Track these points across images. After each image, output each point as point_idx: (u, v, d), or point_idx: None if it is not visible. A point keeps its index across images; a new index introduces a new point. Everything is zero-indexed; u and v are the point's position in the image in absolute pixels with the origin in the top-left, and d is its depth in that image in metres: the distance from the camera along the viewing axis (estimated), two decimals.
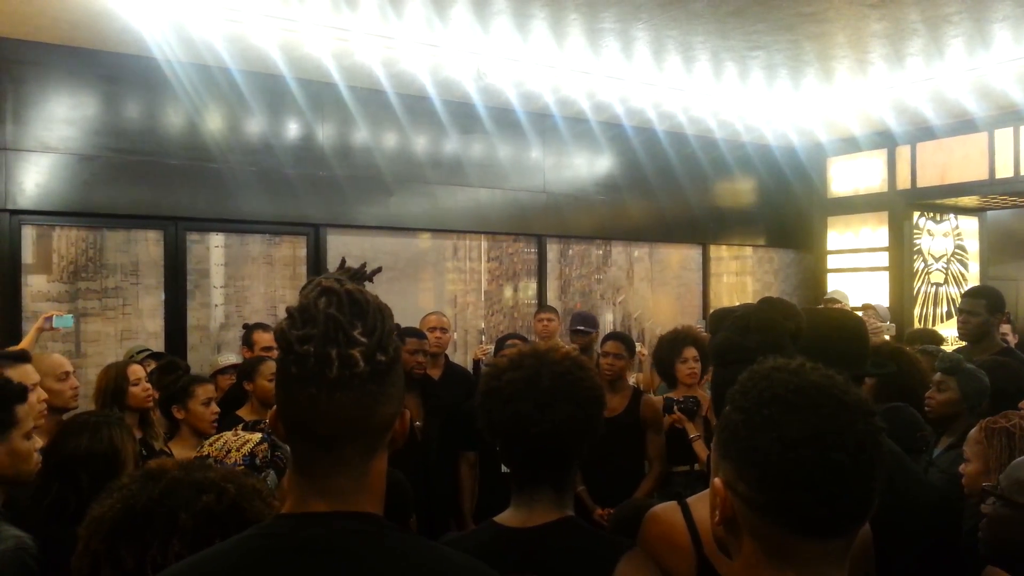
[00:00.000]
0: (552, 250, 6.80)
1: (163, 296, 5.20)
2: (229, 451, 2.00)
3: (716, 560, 1.43)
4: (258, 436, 2.03)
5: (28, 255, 4.84)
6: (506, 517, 1.55)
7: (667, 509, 1.55)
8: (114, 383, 3.46)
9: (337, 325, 1.05)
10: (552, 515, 1.51)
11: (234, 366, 4.63)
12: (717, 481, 1.05)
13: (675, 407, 3.92)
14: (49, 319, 4.07)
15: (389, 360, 1.08)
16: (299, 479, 1.10)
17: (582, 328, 5.20)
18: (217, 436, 2.07)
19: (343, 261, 1.22)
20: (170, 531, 1.30)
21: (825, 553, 1.00)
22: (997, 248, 8.72)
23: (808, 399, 1.00)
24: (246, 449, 1.97)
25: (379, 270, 1.23)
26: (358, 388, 1.05)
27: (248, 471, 2.30)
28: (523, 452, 1.52)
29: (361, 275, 1.17)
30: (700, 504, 1.51)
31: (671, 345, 4.22)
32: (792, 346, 1.64)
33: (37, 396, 2.87)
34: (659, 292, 7.43)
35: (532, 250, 6.72)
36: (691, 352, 4.19)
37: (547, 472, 1.53)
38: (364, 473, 1.10)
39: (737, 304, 2.46)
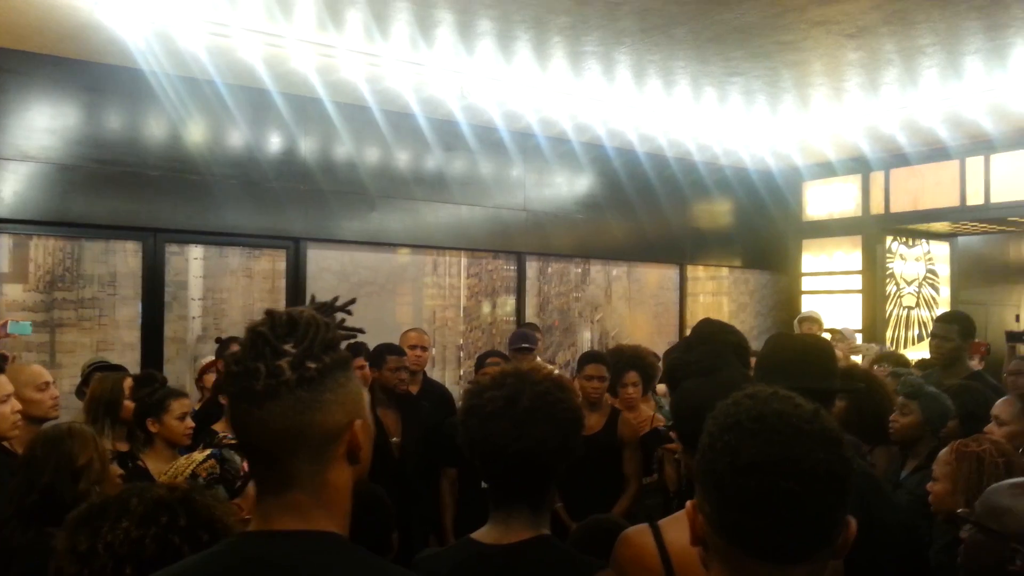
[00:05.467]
0: (531, 267, 6.84)
1: (140, 308, 5.17)
2: (177, 476, 2.02)
3: None
4: (203, 455, 2.05)
5: (4, 264, 4.80)
6: (482, 534, 1.58)
7: (638, 532, 1.58)
8: (110, 394, 3.46)
9: (264, 340, 1.09)
10: (527, 533, 1.54)
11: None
12: (689, 503, 1.09)
13: (671, 435, 3.85)
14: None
15: (321, 368, 1.10)
16: (260, 496, 1.13)
17: (526, 346, 5.16)
18: (172, 464, 2.10)
19: (312, 297, 1.26)
20: (121, 514, 1.38)
21: None
22: (967, 273, 8.88)
23: (766, 426, 1.03)
24: (188, 471, 1.99)
25: (353, 302, 1.26)
26: (287, 396, 1.07)
27: None
28: (501, 470, 1.55)
29: (327, 307, 1.20)
30: (671, 526, 1.54)
31: (614, 367, 4.31)
32: (736, 358, 1.69)
33: (11, 407, 2.86)
34: (636, 311, 7.49)
35: (512, 267, 6.75)
36: (631, 377, 4.33)
37: (524, 490, 1.56)
38: (319, 487, 1.11)
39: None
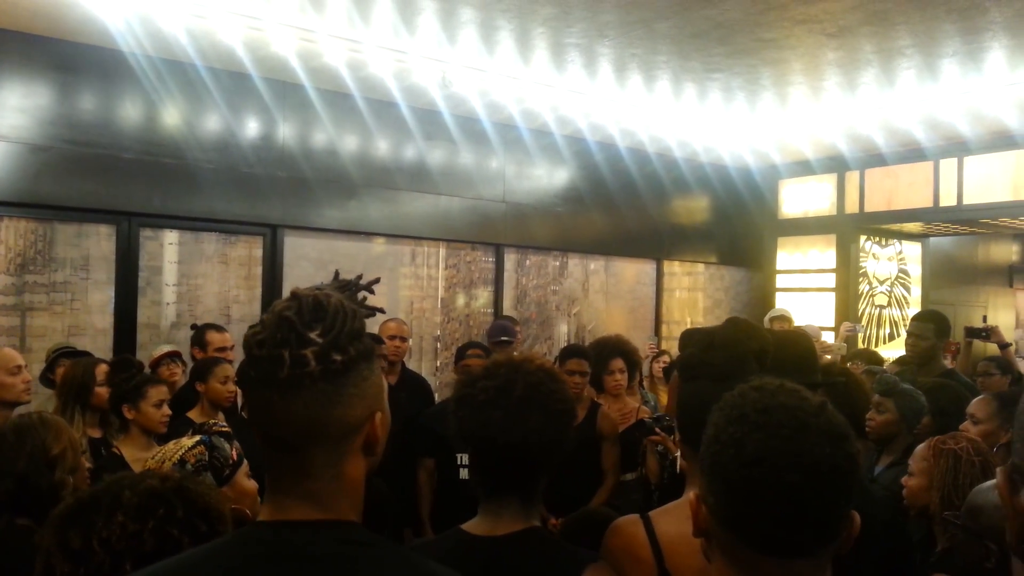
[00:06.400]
0: (510, 260, 6.83)
1: (113, 292, 5.09)
2: (164, 462, 1.99)
3: (677, 573, 1.46)
4: (192, 440, 2.02)
5: None
6: (472, 525, 1.57)
7: (629, 522, 1.57)
8: (80, 380, 3.40)
9: (291, 327, 1.05)
10: (518, 525, 1.53)
11: (170, 355, 4.51)
12: (692, 493, 1.09)
13: (656, 428, 3.74)
14: None
15: (347, 360, 1.07)
16: (273, 485, 1.10)
17: (505, 339, 5.13)
18: (159, 449, 2.06)
19: (336, 273, 1.22)
20: (114, 507, 1.32)
21: (789, 573, 1.02)
22: (938, 273, 9.02)
23: (771, 419, 1.03)
24: (176, 457, 1.95)
25: (377, 280, 1.23)
26: (310, 388, 1.04)
27: None
28: (492, 461, 1.54)
29: (348, 285, 1.18)
30: (662, 517, 1.54)
31: (598, 356, 4.32)
32: (756, 365, 1.68)
33: None
34: (613, 305, 7.51)
35: (490, 259, 6.74)
36: (617, 364, 4.35)
37: (515, 482, 1.55)
38: (336, 478, 1.09)
39: (706, 326, 2.56)
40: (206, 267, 5.44)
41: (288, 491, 1.08)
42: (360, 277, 1.21)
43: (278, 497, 1.09)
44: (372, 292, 1.20)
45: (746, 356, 1.67)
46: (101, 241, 5.07)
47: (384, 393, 1.16)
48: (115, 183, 5.04)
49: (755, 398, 1.07)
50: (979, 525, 1.92)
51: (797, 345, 2.25)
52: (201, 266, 5.42)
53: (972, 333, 5.23)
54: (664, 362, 5.67)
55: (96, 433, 3.48)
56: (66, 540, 1.29)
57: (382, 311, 1.22)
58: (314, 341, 1.05)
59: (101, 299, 5.06)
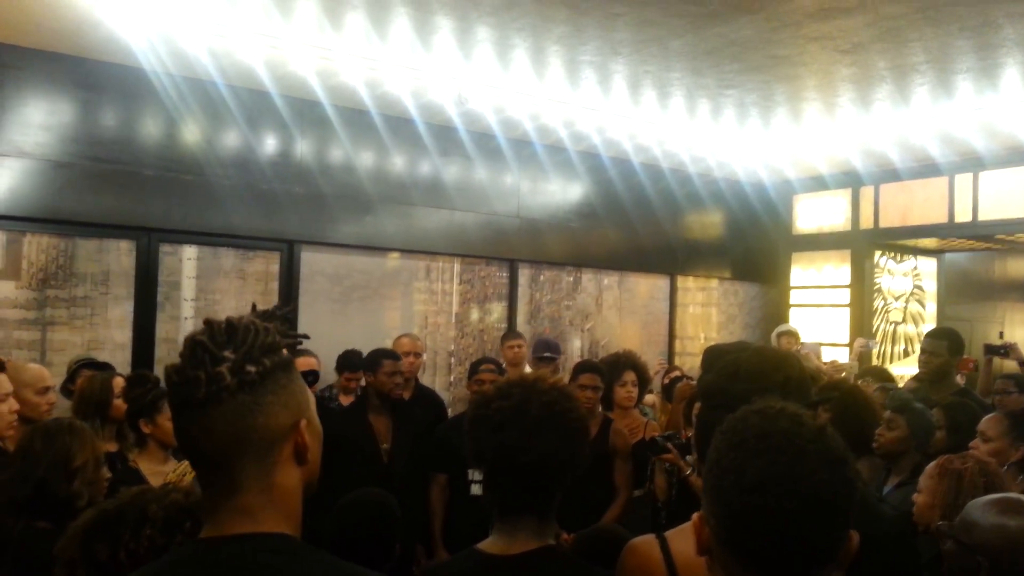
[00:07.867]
0: (523, 275, 6.86)
1: (132, 307, 5.15)
2: (185, 475, 2.01)
3: None
4: None
5: None
6: (488, 544, 1.59)
7: (645, 542, 1.59)
8: (99, 394, 3.44)
9: (204, 349, 1.11)
10: (533, 543, 1.55)
11: None
12: (696, 515, 1.11)
13: (667, 446, 3.67)
14: None
15: (263, 370, 1.12)
16: (208, 503, 1.14)
17: (548, 355, 5.21)
18: (179, 463, 2.09)
19: (253, 305, 1.28)
20: (141, 521, 1.36)
21: None
22: (953, 289, 8.96)
23: (770, 446, 1.05)
24: None
25: (290, 307, 1.30)
26: (229, 401, 1.09)
27: None
28: (508, 480, 1.56)
29: (267, 314, 1.22)
30: (678, 537, 1.56)
31: (611, 369, 4.38)
32: (779, 396, 1.67)
33: (8, 407, 2.85)
34: (627, 320, 7.52)
35: (504, 274, 6.77)
36: (630, 376, 4.43)
37: (531, 501, 1.57)
38: (266, 490, 1.12)
39: (731, 343, 2.56)
40: (224, 282, 5.50)
41: (220, 507, 1.12)
42: (278, 306, 1.26)
43: (212, 514, 1.13)
44: (290, 318, 1.26)
45: (770, 388, 1.67)
46: (121, 256, 5.14)
47: (311, 402, 1.20)
48: (135, 199, 5.12)
49: (755, 423, 1.09)
50: (972, 539, 1.94)
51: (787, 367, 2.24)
52: (219, 281, 5.48)
53: (991, 350, 5.17)
54: (669, 378, 5.67)
55: (112, 447, 3.52)
56: (92, 552, 1.33)
57: (306, 337, 1.26)
58: (226, 358, 1.11)
59: (120, 314, 5.13)
